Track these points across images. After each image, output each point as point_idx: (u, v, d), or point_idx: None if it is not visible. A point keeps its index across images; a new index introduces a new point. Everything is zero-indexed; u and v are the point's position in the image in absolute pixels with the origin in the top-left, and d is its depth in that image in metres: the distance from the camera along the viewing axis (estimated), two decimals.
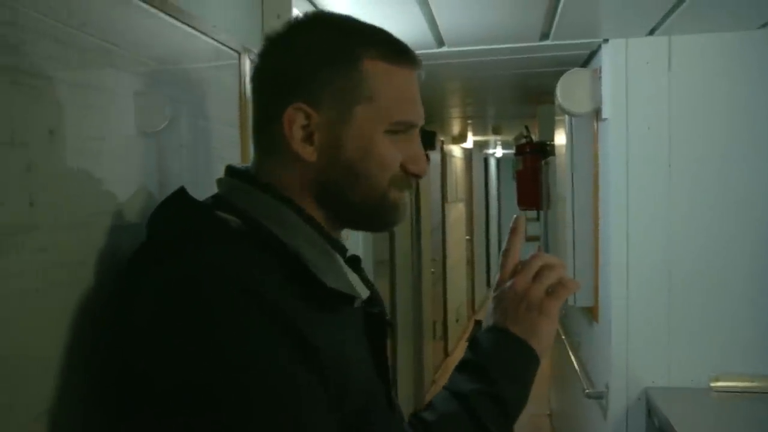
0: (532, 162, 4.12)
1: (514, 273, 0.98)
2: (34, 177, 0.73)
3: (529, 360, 0.93)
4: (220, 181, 0.89)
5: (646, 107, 2.11)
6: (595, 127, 2.37)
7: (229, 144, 1.28)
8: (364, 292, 0.85)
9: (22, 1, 0.71)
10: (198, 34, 1.14)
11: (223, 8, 1.27)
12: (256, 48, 1.40)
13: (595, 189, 2.40)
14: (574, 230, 2.51)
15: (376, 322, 0.91)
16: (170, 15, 1.03)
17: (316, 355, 0.71)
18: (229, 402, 0.65)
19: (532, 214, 5.02)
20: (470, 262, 7.87)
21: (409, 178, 0.87)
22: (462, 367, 0.95)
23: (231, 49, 1.28)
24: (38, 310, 0.74)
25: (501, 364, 0.92)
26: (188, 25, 1.10)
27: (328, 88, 0.82)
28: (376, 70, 0.82)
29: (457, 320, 6.73)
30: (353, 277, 0.85)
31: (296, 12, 1.46)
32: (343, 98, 0.82)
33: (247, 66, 1.34)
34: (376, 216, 0.88)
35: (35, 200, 0.73)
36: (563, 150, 2.72)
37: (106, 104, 0.87)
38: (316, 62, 0.82)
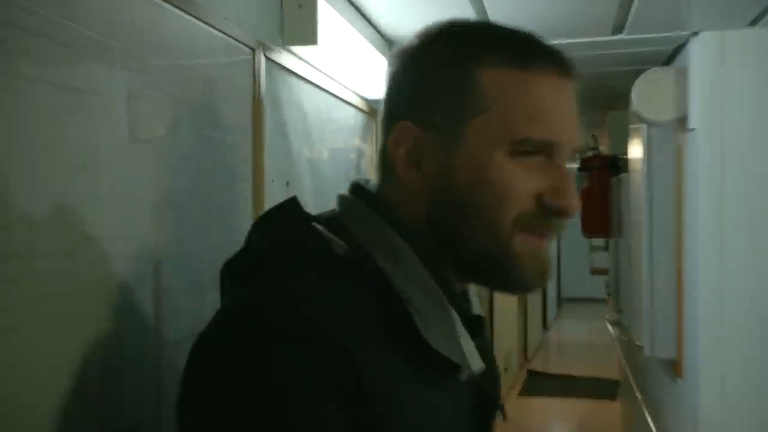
0: (600, 179, 4.11)
1: None
2: (12, 196, 0.74)
3: None
4: (342, 199, 0.87)
5: (746, 116, 2.09)
6: (680, 139, 2.35)
7: (240, 156, 1.30)
8: (476, 363, 0.80)
9: None
10: (206, 26, 1.16)
11: None
12: (274, 43, 1.43)
13: (678, 214, 2.37)
14: (651, 264, 2.50)
15: (487, 401, 0.89)
16: (174, 5, 1.06)
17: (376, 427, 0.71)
18: None
19: (600, 242, 4.98)
20: (522, 301, 7.82)
21: (550, 217, 0.79)
22: None
23: (244, 44, 1.30)
24: (18, 346, 0.75)
25: None
26: (194, 17, 1.12)
27: (440, 105, 0.80)
28: (498, 78, 0.79)
29: (506, 369, 6.67)
30: (467, 342, 0.80)
31: (322, 2, 1.48)
32: (455, 114, 0.79)
33: (263, 64, 1.36)
34: (495, 267, 0.81)
35: (13, 222, 0.75)
36: (639, 166, 2.70)
37: (99, 108, 0.89)
38: (429, 77, 0.82)
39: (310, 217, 0.83)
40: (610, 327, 4.37)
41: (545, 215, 0.78)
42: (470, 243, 0.80)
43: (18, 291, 0.75)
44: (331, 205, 0.87)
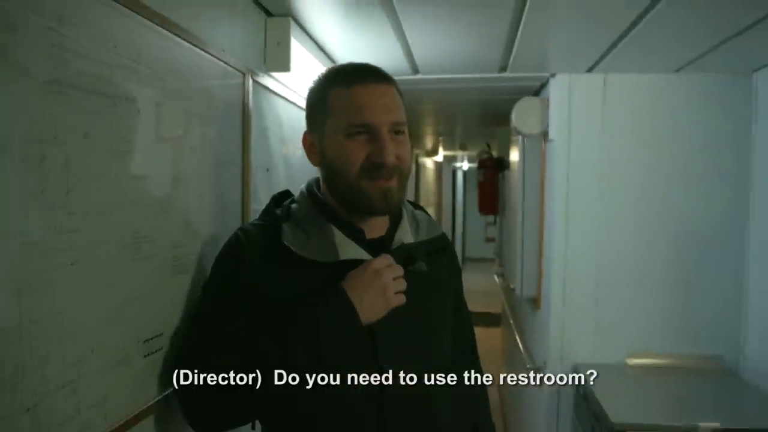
0: (491, 175, 4.16)
1: None
2: (70, 171, 0.76)
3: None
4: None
5: (585, 131, 2.17)
6: (543, 146, 2.43)
7: (233, 150, 1.31)
8: (346, 255, 0.98)
9: (67, 27, 0.75)
10: (209, 56, 1.17)
11: (231, 35, 1.30)
12: (259, 69, 1.44)
13: (541, 198, 2.45)
14: (523, 233, 2.57)
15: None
16: (187, 40, 1.07)
17: (250, 286, 0.97)
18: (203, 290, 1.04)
19: (491, 219, 5.08)
20: None
21: (379, 168, 0.95)
22: None
23: (237, 70, 1.31)
24: (72, 279, 0.77)
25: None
26: (201, 49, 1.13)
27: (315, 117, 1.02)
28: (336, 95, 0.98)
29: None
30: (346, 245, 0.98)
31: (294, 41, 1.49)
32: (320, 121, 1.00)
33: (251, 84, 1.37)
34: (357, 201, 0.98)
35: (71, 189, 0.77)
36: (516, 165, 2.77)
37: (131, 113, 0.90)
38: (309, 102, 1.05)
39: (279, 197, 1.10)
40: (496, 277, 4.47)
41: (376, 167, 0.95)
42: (339, 189, 1.00)
43: (75, 237, 0.77)
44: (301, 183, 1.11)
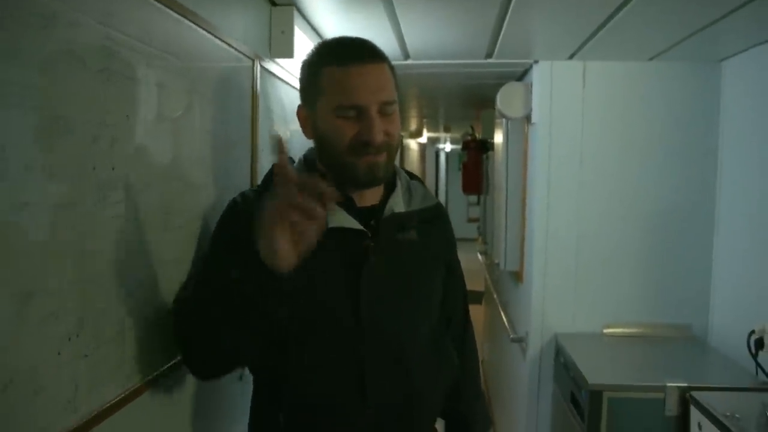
0: (475, 156, 4.23)
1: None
2: (116, 149, 0.85)
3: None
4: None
5: (565, 115, 2.26)
6: (526, 129, 2.52)
7: (242, 132, 1.38)
8: (333, 223, 0.99)
9: (114, 24, 0.84)
10: (225, 45, 1.24)
11: (242, 24, 1.37)
12: (265, 56, 1.52)
13: (524, 178, 2.55)
14: (506, 211, 2.66)
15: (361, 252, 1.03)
16: (206, 30, 1.14)
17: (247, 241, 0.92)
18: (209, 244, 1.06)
19: (474, 199, 5.17)
20: None
21: (366, 145, 0.97)
22: None
23: (247, 56, 1.38)
24: (119, 245, 0.87)
25: None
26: (219, 38, 1.20)
27: (308, 93, 1.03)
28: (328, 73, 0.99)
29: None
30: (335, 213, 1.00)
31: (296, 29, 1.57)
32: (312, 97, 1.02)
33: (258, 69, 1.44)
34: (343, 174, 1.01)
35: (116, 166, 0.86)
36: (500, 147, 2.85)
37: (164, 98, 0.98)
38: (303, 78, 1.06)
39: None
40: (479, 255, 4.58)
41: (363, 144, 0.97)
42: (330, 162, 1.02)
43: (120, 209, 0.85)
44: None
